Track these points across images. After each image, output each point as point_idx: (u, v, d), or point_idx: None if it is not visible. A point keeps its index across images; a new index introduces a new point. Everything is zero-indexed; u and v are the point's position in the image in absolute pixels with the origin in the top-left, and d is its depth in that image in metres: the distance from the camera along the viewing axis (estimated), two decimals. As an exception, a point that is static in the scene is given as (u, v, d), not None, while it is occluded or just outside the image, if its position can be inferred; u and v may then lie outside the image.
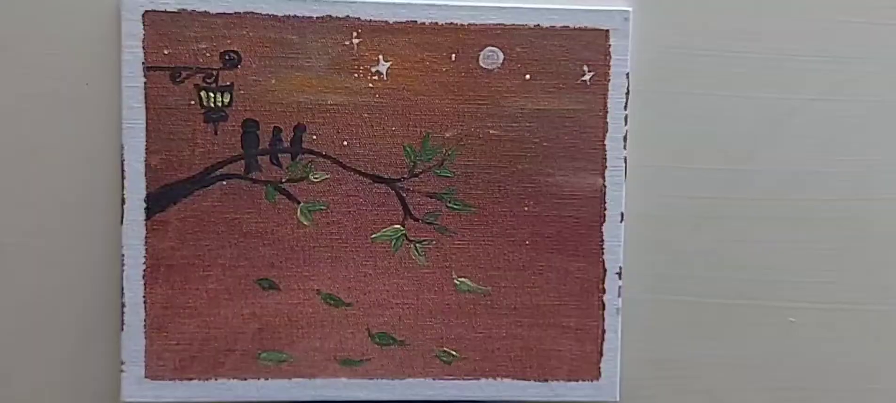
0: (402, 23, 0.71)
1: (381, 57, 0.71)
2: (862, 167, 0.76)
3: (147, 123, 0.70)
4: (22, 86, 0.71)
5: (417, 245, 0.73)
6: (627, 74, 0.72)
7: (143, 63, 0.70)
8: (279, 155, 0.71)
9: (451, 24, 0.71)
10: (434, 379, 0.74)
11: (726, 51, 0.74)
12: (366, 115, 0.71)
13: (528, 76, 0.72)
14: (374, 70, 0.71)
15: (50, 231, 0.72)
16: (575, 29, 0.72)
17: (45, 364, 0.74)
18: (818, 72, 0.75)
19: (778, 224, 0.76)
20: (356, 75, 0.71)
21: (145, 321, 0.72)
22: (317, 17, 0.70)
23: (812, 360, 0.78)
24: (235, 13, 0.70)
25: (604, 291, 0.74)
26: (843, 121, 0.75)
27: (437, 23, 0.71)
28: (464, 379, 0.74)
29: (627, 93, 0.73)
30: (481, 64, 0.72)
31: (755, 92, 0.74)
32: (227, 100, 0.71)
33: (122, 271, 0.71)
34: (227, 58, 0.70)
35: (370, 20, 0.71)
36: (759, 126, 0.75)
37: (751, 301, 0.77)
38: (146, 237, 0.71)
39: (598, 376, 0.74)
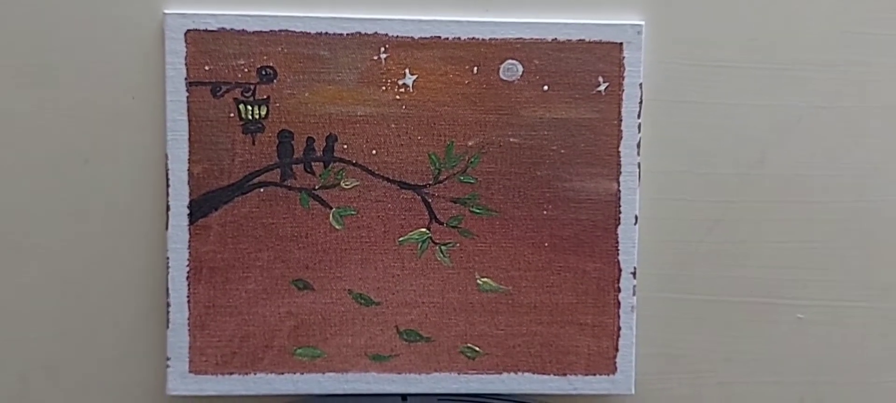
0: (426, 38, 0.72)
1: (407, 70, 0.72)
2: (866, 170, 0.75)
3: (190, 135, 0.71)
4: (73, 100, 0.72)
5: (442, 247, 0.73)
6: (640, 85, 0.73)
7: (185, 78, 0.71)
8: (312, 163, 0.72)
9: (473, 39, 0.72)
10: (459, 374, 0.74)
11: (735, 61, 0.74)
12: (393, 126, 0.72)
13: (546, 87, 0.72)
14: (400, 83, 0.72)
15: (99, 236, 0.73)
16: (590, 42, 0.72)
17: (96, 360, 0.74)
18: (823, 80, 0.74)
19: (786, 225, 0.76)
20: (384, 88, 0.72)
21: (189, 319, 0.73)
22: (347, 34, 0.71)
23: (819, 355, 0.77)
24: (271, 31, 0.71)
25: (619, 290, 0.74)
26: (848, 127, 0.75)
27: (459, 38, 0.72)
28: (487, 374, 0.74)
29: (640, 103, 0.73)
30: (502, 76, 0.72)
31: (763, 100, 0.74)
32: (263, 112, 0.71)
33: (168, 273, 0.72)
34: (263, 73, 0.71)
35: (397, 36, 0.71)
36: (767, 132, 0.74)
37: (760, 298, 0.76)
38: (189, 241, 0.72)
39: (614, 370, 0.75)
